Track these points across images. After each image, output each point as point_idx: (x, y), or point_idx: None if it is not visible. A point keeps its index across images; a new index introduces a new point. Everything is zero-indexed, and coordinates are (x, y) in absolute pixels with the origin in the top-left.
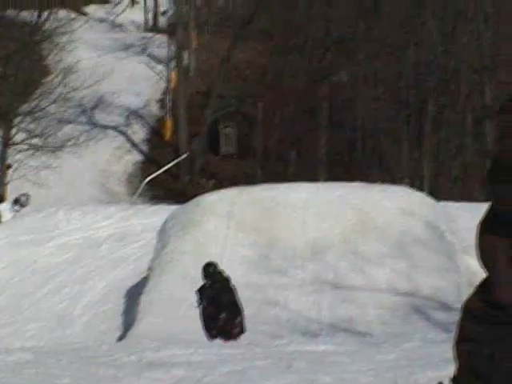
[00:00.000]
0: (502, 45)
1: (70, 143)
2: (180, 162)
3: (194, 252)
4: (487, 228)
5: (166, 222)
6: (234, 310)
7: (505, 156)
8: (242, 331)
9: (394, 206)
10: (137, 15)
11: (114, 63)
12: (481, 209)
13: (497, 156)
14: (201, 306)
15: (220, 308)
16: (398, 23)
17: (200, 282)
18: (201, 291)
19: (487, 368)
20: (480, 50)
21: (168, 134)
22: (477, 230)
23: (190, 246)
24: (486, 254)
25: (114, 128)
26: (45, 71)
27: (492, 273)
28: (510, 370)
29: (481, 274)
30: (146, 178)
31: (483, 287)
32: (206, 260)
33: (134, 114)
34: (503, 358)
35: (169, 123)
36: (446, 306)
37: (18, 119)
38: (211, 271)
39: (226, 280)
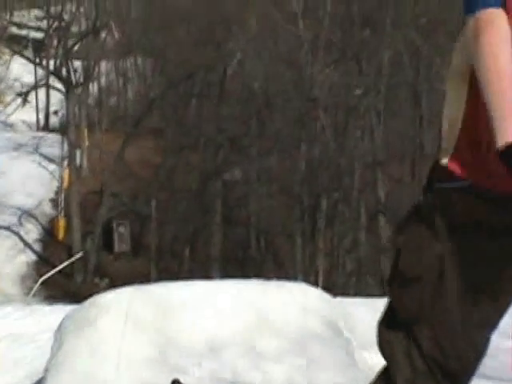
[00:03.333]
0: (393, 140)
1: None
2: (74, 262)
3: (90, 352)
4: (385, 324)
5: (62, 322)
6: None
7: (402, 269)
8: None
9: (291, 302)
10: (28, 115)
11: (7, 163)
12: (376, 304)
13: (394, 265)
14: None
15: None
16: (290, 119)
17: (99, 382)
18: None
19: None
20: (372, 145)
21: (61, 233)
22: (377, 325)
23: (85, 346)
24: (384, 349)
25: (7, 228)
26: None
27: (392, 365)
28: None
29: (378, 369)
30: (40, 278)
31: (385, 375)
32: (102, 360)
33: (26, 213)
34: None
35: (62, 222)
36: None
37: None
38: None
39: None
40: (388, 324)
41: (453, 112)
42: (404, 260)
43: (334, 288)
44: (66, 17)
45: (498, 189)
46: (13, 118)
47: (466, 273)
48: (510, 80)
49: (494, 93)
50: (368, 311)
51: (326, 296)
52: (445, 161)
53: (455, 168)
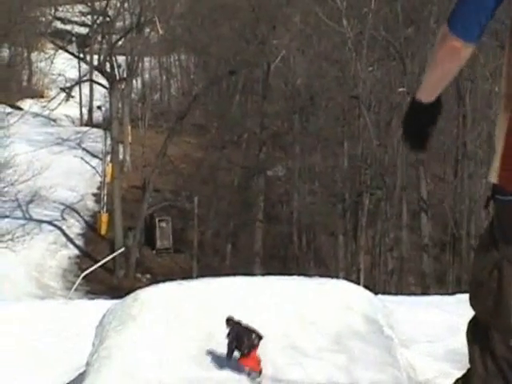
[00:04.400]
0: (436, 138)
1: (5, 238)
2: (116, 257)
3: (132, 347)
4: (470, 326)
5: (104, 317)
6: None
7: (472, 275)
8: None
9: (332, 299)
10: (72, 110)
11: (50, 157)
12: (416, 302)
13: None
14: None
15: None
16: (333, 117)
17: (141, 378)
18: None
19: None
20: None
21: (103, 228)
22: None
23: (128, 341)
24: (468, 349)
25: (49, 222)
26: None
27: (470, 364)
28: None
29: (419, 368)
30: (82, 272)
31: (466, 374)
32: (144, 355)
33: (69, 208)
34: None
35: (104, 217)
36: None
37: None
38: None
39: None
40: (472, 326)
41: (497, 134)
42: (473, 267)
43: (375, 286)
44: (110, 12)
45: None
46: (56, 113)
47: None
48: (439, 68)
49: (428, 65)
50: (409, 309)
51: (368, 294)
52: (490, 179)
53: (505, 184)
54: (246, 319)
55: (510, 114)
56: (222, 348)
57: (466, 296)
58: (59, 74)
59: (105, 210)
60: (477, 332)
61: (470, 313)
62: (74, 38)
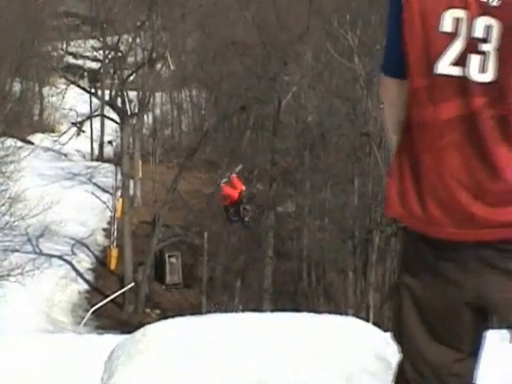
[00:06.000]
0: None
1: (15, 272)
2: (125, 292)
3: (141, 382)
4: None
5: (113, 352)
6: None
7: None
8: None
9: (341, 336)
10: (83, 144)
11: (61, 192)
12: None
13: None
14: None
15: None
16: (344, 154)
17: None
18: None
19: None
20: None
21: (113, 263)
22: None
23: (136, 376)
24: None
25: (60, 257)
26: None
27: None
28: None
29: None
30: (92, 307)
31: None
32: None
33: (79, 243)
34: None
35: (114, 252)
36: None
37: None
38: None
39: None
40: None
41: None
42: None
43: (384, 323)
44: (122, 47)
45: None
46: (67, 148)
47: (418, 306)
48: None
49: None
50: None
51: (377, 331)
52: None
53: (394, 213)
54: (254, 356)
55: (399, 137)
56: None
57: None
58: (70, 109)
59: (115, 244)
60: (398, 362)
61: None
62: (85, 73)
